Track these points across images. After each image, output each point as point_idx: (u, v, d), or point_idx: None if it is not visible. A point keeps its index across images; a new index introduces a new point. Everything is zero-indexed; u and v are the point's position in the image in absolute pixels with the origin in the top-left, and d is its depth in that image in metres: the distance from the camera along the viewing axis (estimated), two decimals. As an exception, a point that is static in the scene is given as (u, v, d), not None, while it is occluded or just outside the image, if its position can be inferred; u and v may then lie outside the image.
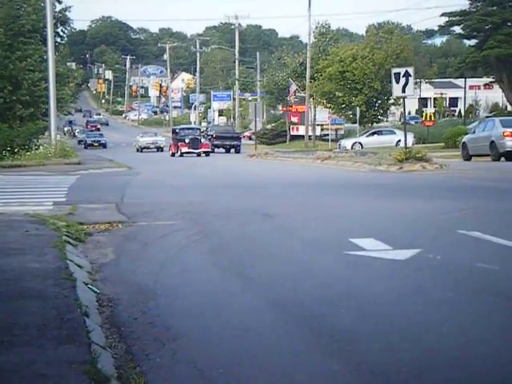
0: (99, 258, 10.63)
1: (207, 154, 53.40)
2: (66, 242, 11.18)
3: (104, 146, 75.94)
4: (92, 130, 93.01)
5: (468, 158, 37.57)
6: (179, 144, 53.76)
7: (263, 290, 8.45)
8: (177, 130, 57.99)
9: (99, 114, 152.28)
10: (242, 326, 6.89)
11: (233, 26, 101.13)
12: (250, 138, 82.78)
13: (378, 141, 56.31)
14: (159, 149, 66.77)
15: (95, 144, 76.38)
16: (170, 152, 55.51)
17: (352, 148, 55.37)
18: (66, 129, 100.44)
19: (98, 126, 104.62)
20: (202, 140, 56.37)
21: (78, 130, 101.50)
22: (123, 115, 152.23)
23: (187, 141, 53.37)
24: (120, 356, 5.97)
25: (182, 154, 52.98)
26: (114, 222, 14.13)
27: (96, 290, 8.30)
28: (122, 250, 11.39)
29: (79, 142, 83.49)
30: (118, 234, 13.04)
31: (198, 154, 52.87)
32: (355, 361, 5.87)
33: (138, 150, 66.46)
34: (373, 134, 59.41)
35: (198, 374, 5.59)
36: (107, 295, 8.14)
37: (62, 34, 60.62)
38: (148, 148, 67.16)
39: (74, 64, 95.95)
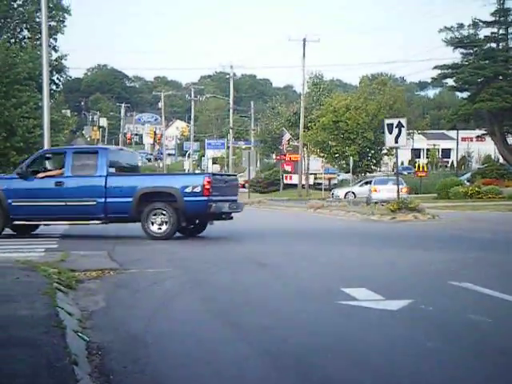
0: (90, 305, 10.56)
1: None
2: (56, 289, 11.11)
3: None
4: None
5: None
6: None
7: (254, 339, 8.40)
8: None
9: None
10: (232, 375, 6.85)
11: (227, 76, 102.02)
12: (243, 186, 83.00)
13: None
14: None
15: None
16: None
17: (345, 197, 55.59)
18: None
19: None
20: None
21: None
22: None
23: None
24: (108, 405, 5.91)
25: None
26: (106, 269, 14.08)
27: (86, 337, 8.24)
28: (113, 297, 11.34)
29: None
30: (110, 281, 12.99)
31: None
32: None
33: None
34: (366, 183, 59.70)
35: (187, 424, 5.54)
36: (97, 343, 8.08)
37: (57, 81, 61.10)
38: None
39: (68, 111, 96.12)
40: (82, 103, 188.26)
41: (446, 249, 18.35)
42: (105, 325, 9.19)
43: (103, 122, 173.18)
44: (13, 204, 21.15)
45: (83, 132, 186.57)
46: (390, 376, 6.87)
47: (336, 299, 10.67)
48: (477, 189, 52.50)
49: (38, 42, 51.77)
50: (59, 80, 61.73)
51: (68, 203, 20.94)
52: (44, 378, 6.11)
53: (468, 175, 65.71)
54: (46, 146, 42.44)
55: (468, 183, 56.53)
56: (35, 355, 6.86)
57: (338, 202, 47.55)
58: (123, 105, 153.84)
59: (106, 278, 13.25)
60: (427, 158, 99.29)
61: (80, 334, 8.31)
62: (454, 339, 8.39)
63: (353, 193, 56.00)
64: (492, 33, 60.55)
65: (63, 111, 74.39)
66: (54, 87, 58.01)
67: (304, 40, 69.99)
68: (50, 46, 52.78)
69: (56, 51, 60.30)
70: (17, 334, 7.79)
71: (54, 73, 57.13)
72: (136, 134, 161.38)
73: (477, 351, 7.86)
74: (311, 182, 72.57)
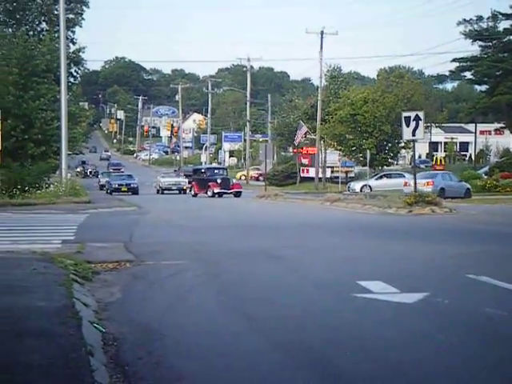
0: (106, 296, 10.61)
1: (238, 194, 52.47)
2: (73, 280, 11.19)
3: (135, 191, 58.82)
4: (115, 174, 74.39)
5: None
6: (211, 184, 52.52)
7: (269, 332, 8.41)
8: (202, 170, 56.84)
9: (107, 151, 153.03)
10: (246, 367, 6.86)
11: (245, 68, 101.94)
12: (258, 179, 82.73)
13: (386, 184, 56.31)
14: (181, 190, 61.02)
15: (123, 188, 58.90)
16: (192, 192, 54.46)
17: (361, 190, 55.36)
18: (78, 169, 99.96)
19: (122, 170, 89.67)
20: (234, 180, 56.38)
21: (90, 170, 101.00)
22: (134, 155, 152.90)
23: (219, 181, 52.70)
24: (123, 396, 5.94)
25: (214, 195, 51.75)
26: (122, 261, 14.14)
27: (102, 328, 8.28)
28: (129, 289, 11.39)
29: (101, 186, 67.80)
30: (126, 273, 13.04)
31: (235, 195, 52.09)
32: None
33: (158, 192, 61.10)
34: (382, 177, 59.47)
35: (201, 415, 5.55)
36: (113, 334, 8.12)
37: (75, 74, 61.18)
38: (169, 189, 61.09)
39: (86, 104, 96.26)
40: (100, 96, 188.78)
41: (464, 242, 18.26)
42: (120, 316, 9.23)
43: (120, 114, 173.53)
44: None
45: (101, 124, 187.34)
46: (402, 369, 6.85)
47: (352, 292, 10.66)
48: (495, 182, 52.27)
49: (56, 35, 51.95)
50: (77, 72, 61.83)
51: None
52: (59, 368, 6.14)
53: (486, 168, 65.37)
54: (64, 138, 42.66)
55: (486, 177, 56.23)
56: (51, 345, 6.90)
57: (354, 196, 47.41)
58: (140, 97, 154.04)
59: (123, 270, 13.31)
60: (445, 151, 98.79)
61: (96, 325, 8.35)
62: (469, 333, 8.35)
63: (369, 186, 55.82)
64: (511, 25, 60.14)
65: (81, 104, 74.44)
66: (71, 80, 58.13)
67: (322, 32, 69.78)
68: (67, 38, 52.92)
69: (74, 44, 60.46)
70: (33, 324, 7.84)
71: (72, 65, 57.20)
72: (153, 127, 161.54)
73: (490, 343, 7.82)
74: (328, 175, 72.34)
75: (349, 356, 7.29)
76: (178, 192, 60.59)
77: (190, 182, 57.29)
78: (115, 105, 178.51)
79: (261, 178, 67.93)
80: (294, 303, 10.15)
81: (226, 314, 9.57)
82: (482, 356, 7.37)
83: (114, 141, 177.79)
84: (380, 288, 10.95)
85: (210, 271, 13.23)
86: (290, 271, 13.37)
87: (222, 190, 52.18)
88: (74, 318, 8.20)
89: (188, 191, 57.85)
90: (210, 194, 51.91)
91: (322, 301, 10.46)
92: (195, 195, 53.44)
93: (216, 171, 56.81)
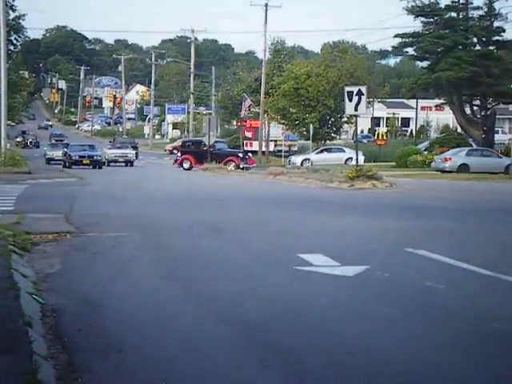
0: (45, 268, 10.48)
1: (249, 169, 49.76)
2: (11, 251, 11.01)
3: (98, 164, 50.86)
4: (56, 145, 65.97)
5: None
6: (233, 158, 50.40)
7: (211, 304, 8.42)
8: (202, 143, 52.44)
9: (48, 120, 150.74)
10: (186, 339, 6.85)
11: (189, 40, 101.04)
12: (172, 152, 77.65)
13: (327, 158, 56.79)
14: (128, 163, 56.78)
15: (85, 161, 50.52)
16: (186, 165, 51.16)
17: (302, 164, 55.64)
18: (18, 139, 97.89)
19: (65, 141, 77.32)
20: (250, 155, 54.32)
21: (30, 140, 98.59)
22: (76, 126, 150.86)
23: (241, 155, 51.43)
24: (62, 367, 5.88)
25: (238, 169, 49.07)
26: (62, 233, 13.98)
27: (41, 300, 8.18)
28: (68, 260, 11.27)
29: (49, 160, 59.40)
30: (66, 244, 12.90)
31: (246, 169, 49.48)
32: (299, 376, 5.87)
33: (104, 164, 53.93)
34: (322, 151, 59.88)
35: (141, 386, 5.54)
36: (52, 306, 8.03)
37: (15, 42, 60.04)
38: (116, 161, 56.58)
39: (26, 73, 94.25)
40: (41, 65, 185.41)
41: (403, 216, 18.52)
42: (60, 288, 9.14)
43: (62, 84, 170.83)
44: None
45: (42, 94, 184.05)
46: (344, 341, 6.93)
47: (292, 264, 10.72)
48: (435, 158, 52.94)
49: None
50: (17, 40, 60.71)
51: None
52: (-3, 340, 6.05)
53: (425, 144, 66.17)
54: (3, 108, 41.89)
55: (425, 152, 56.93)
56: (-12, 317, 6.79)
57: (297, 169, 47.57)
58: (83, 67, 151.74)
59: (63, 242, 13.16)
60: (387, 126, 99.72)
61: (35, 297, 8.25)
62: (407, 304, 8.49)
63: (309, 160, 56.06)
64: (453, 2, 60.57)
65: (21, 72, 73.06)
66: (11, 48, 57.04)
67: (266, 5, 69.54)
68: (6, 4, 51.69)
69: (14, 11, 59.19)
70: (-31, 295, 7.71)
71: (12, 33, 56.10)
72: (96, 98, 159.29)
73: (428, 315, 7.96)
74: (271, 148, 72.48)
75: (289, 328, 7.34)
76: (124, 164, 56.38)
77: (183, 154, 52.62)
78: (57, 74, 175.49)
79: (175, 151, 66.74)
80: (235, 276, 10.17)
81: (166, 286, 9.55)
82: (419, 327, 7.50)
83: (56, 111, 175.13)
84: (321, 261, 11.04)
85: (151, 243, 13.17)
86: (232, 244, 13.39)
87: (246, 165, 49.99)
88: (11, 288, 8.08)
89: (176, 164, 52.71)
90: (232, 168, 49.02)
91: (262, 273, 10.51)
92: (189, 168, 50.81)
93: (215, 144, 53.95)
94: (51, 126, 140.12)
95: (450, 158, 46.44)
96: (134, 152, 60.66)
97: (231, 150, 55.89)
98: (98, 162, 50.95)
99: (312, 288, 9.38)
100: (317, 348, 6.63)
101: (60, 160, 54.38)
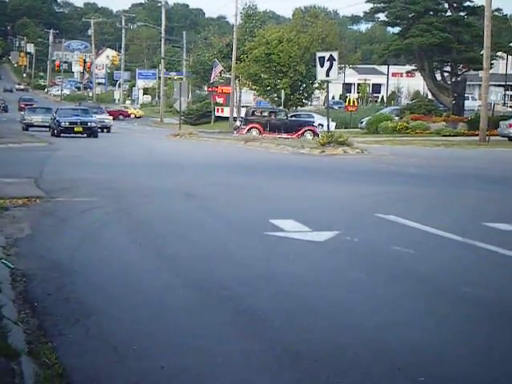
0: (15, 232, 10.41)
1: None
2: (-20, 216, 10.92)
3: (93, 133, 43.14)
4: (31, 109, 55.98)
5: None
6: (310, 128, 47.59)
7: (181, 269, 8.43)
8: (265, 112, 48.81)
9: (20, 84, 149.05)
10: (157, 304, 6.86)
11: (159, 4, 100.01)
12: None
13: None
14: (106, 128, 51.17)
15: (77, 128, 42.75)
16: (255, 133, 46.03)
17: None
18: None
19: (35, 105, 69.03)
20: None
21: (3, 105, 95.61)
22: (45, 90, 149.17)
23: (316, 124, 49.73)
24: (32, 331, 5.87)
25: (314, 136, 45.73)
26: (32, 197, 13.88)
27: (10, 264, 8.13)
28: (38, 225, 11.20)
29: (27, 126, 50.49)
30: (36, 209, 12.81)
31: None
32: (269, 340, 5.90)
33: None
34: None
35: (111, 350, 5.54)
36: (21, 270, 7.99)
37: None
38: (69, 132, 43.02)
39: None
40: (8, 28, 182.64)
41: (374, 182, 18.61)
42: (30, 252, 9.09)
43: (30, 48, 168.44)
44: None
45: (10, 57, 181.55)
46: (313, 305, 6.98)
47: (264, 230, 10.74)
48: (405, 124, 53.14)
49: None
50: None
51: None
52: (-34, 305, 6.01)
53: (389, 109, 66.30)
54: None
55: (397, 118, 57.02)
56: (-43, 282, 6.74)
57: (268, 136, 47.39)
58: (51, 31, 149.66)
59: (32, 206, 13.06)
60: (358, 92, 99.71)
61: (4, 261, 8.20)
62: (377, 269, 8.56)
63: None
64: (425, -33, 60.53)
65: (-12, 35, 71.70)
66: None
67: (237, -31, 68.99)
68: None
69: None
70: None
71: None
72: (65, 62, 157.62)
73: (397, 280, 8.04)
74: (243, 114, 72.34)
75: (260, 293, 7.37)
76: (100, 131, 46.90)
77: (249, 123, 47.99)
78: (25, 38, 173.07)
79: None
80: (207, 241, 10.17)
81: (137, 251, 9.54)
82: (389, 291, 7.57)
83: (24, 75, 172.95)
84: (292, 226, 11.08)
85: (121, 209, 13.11)
86: (203, 209, 13.38)
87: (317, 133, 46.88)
88: (-19, 254, 8.03)
89: (239, 133, 47.24)
90: (310, 138, 44.85)
91: (234, 239, 10.52)
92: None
93: (283, 113, 51.02)
94: (26, 90, 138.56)
95: None
96: (110, 117, 56.21)
97: (302, 119, 53.15)
98: (92, 130, 43.27)
99: (283, 253, 9.41)
100: (287, 312, 6.67)
101: (40, 126, 48.80)
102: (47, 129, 46.63)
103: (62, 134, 42.15)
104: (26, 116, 52.95)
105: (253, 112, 50.66)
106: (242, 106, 72.67)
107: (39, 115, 51.73)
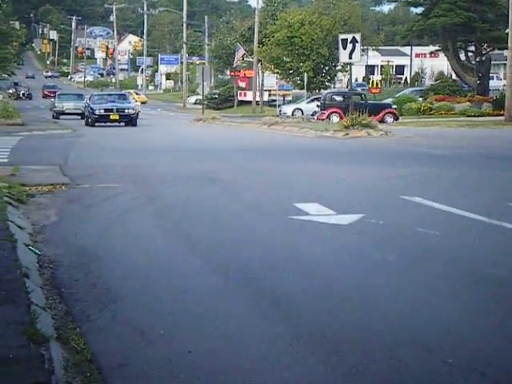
0: (41, 219, 10.49)
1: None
2: (6, 203, 11.01)
3: (131, 120, 39.78)
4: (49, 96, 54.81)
5: None
6: (391, 111, 46.12)
7: (207, 254, 8.45)
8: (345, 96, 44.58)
9: (48, 72, 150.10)
10: (184, 289, 6.89)
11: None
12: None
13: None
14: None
15: (113, 116, 39.42)
16: (336, 119, 43.24)
17: (292, 114, 55.31)
18: (10, 90, 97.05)
19: (59, 92, 61.72)
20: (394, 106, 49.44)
21: (23, 92, 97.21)
22: (69, 77, 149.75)
23: (394, 106, 48.18)
24: (60, 317, 5.91)
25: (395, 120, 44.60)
26: (58, 184, 13.97)
27: (37, 251, 8.20)
28: (64, 212, 11.28)
29: (58, 114, 48.58)
30: (61, 196, 12.90)
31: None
32: (295, 323, 5.91)
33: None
34: (313, 100, 59.47)
35: (139, 335, 5.57)
36: (48, 257, 8.06)
37: (4, -9, 59.20)
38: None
39: (17, 23, 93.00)
40: (32, 15, 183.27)
41: (397, 164, 18.52)
42: (56, 239, 9.15)
43: (53, 35, 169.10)
44: None
45: (33, 45, 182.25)
46: (338, 288, 6.97)
47: (288, 214, 10.74)
48: (429, 105, 52.79)
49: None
50: (6, -10, 59.84)
51: None
52: (-6, 291, 6.07)
53: (409, 90, 65.76)
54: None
55: (421, 99, 56.62)
56: (-15, 268, 6.81)
57: (291, 119, 47.40)
58: (74, 17, 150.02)
59: (58, 193, 13.15)
60: (381, 74, 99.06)
61: (31, 248, 8.27)
62: (402, 251, 8.54)
63: (300, 109, 55.69)
64: None
65: (11, 23, 72.20)
66: (1, -2, 56.26)
67: (259, -48, 68.68)
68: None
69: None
70: (-34, 247, 7.71)
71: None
72: (88, 48, 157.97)
73: (423, 262, 8.01)
74: (265, 98, 72.15)
75: (286, 276, 7.38)
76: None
77: (329, 107, 45.79)
78: (48, 25, 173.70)
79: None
80: (232, 226, 10.20)
81: (162, 236, 9.57)
82: (415, 273, 7.54)
83: (48, 62, 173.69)
84: (316, 210, 11.06)
85: (146, 194, 13.17)
86: (228, 194, 13.41)
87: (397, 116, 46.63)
88: (8, 240, 8.09)
89: (319, 118, 45.38)
90: (390, 121, 44.71)
91: (259, 223, 10.54)
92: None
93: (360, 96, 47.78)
94: (55, 77, 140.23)
95: None
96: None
97: (381, 102, 51.26)
98: (130, 118, 39.68)
99: (308, 237, 9.41)
100: (312, 295, 6.67)
101: (72, 114, 46.91)
102: (79, 117, 44.79)
103: (96, 123, 39.24)
104: (57, 103, 49.70)
105: (331, 96, 48.15)
106: (265, 90, 72.54)
107: (70, 102, 49.21)
